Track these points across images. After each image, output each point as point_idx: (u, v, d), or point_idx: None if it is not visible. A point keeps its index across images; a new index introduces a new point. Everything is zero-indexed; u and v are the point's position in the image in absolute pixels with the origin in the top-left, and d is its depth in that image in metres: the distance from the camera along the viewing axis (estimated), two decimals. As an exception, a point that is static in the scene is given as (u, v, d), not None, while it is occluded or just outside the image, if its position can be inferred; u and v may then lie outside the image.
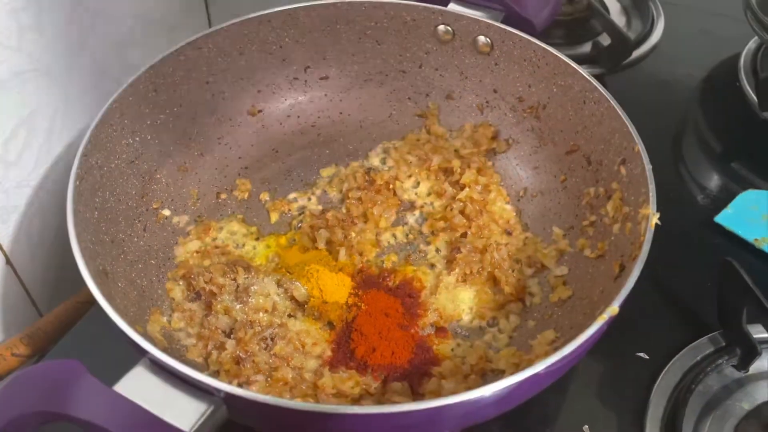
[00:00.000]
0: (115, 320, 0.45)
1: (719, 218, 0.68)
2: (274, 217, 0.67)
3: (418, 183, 0.69)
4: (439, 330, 0.59)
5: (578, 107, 0.63)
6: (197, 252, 0.63)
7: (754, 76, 0.81)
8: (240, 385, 0.53)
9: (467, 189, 0.67)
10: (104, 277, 0.52)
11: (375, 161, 0.71)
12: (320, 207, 0.68)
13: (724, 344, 0.57)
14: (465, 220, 0.65)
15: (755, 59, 0.84)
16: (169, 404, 0.42)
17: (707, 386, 0.55)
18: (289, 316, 0.59)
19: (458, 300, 0.60)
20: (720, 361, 0.56)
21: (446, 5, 0.69)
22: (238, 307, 0.58)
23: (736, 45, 0.86)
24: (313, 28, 0.70)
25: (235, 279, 0.60)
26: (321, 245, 0.63)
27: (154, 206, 0.63)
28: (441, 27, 0.69)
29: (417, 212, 0.68)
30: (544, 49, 0.64)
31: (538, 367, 0.42)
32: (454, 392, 0.42)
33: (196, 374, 0.42)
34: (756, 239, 0.66)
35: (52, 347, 0.60)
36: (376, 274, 0.62)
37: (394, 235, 0.66)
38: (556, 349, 0.43)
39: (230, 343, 0.55)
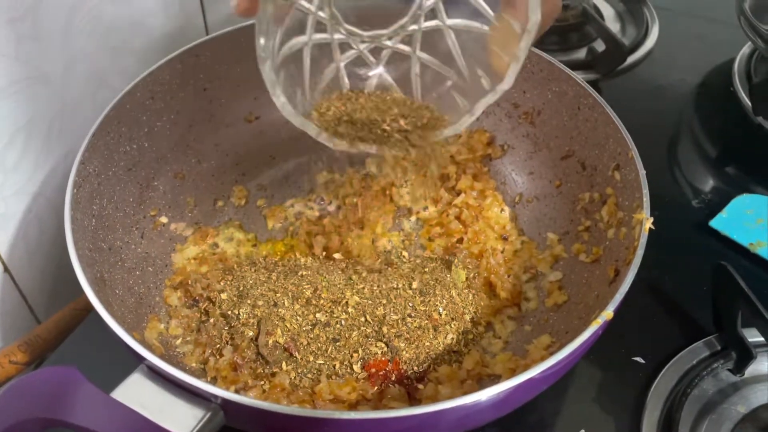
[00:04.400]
0: (112, 327, 0.45)
1: (714, 222, 0.68)
2: (271, 223, 0.67)
3: (415, 189, 0.70)
4: (436, 335, 0.59)
5: (573, 113, 0.63)
6: (194, 259, 0.63)
7: (748, 81, 0.81)
8: (237, 392, 0.53)
9: (463, 195, 0.67)
10: (102, 284, 0.52)
11: (371, 167, 0.71)
12: (317, 213, 0.68)
13: (719, 348, 0.58)
14: (461, 226, 0.65)
15: (749, 64, 0.84)
16: (167, 411, 0.42)
17: (703, 390, 0.55)
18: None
19: (454, 305, 0.60)
20: (715, 364, 0.56)
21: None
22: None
23: (730, 50, 0.87)
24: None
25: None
26: (318, 251, 0.64)
27: (152, 213, 0.63)
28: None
29: (413, 218, 0.68)
30: (538, 55, 0.64)
31: (534, 372, 0.43)
32: (450, 397, 0.42)
33: (193, 381, 0.42)
34: (751, 243, 0.66)
35: (49, 354, 0.61)
36: (372, 280, 0.62)
37: (390, 241, 0.66)
38: (552, 354, 0.44)
39: (227, 350, 0.55)
